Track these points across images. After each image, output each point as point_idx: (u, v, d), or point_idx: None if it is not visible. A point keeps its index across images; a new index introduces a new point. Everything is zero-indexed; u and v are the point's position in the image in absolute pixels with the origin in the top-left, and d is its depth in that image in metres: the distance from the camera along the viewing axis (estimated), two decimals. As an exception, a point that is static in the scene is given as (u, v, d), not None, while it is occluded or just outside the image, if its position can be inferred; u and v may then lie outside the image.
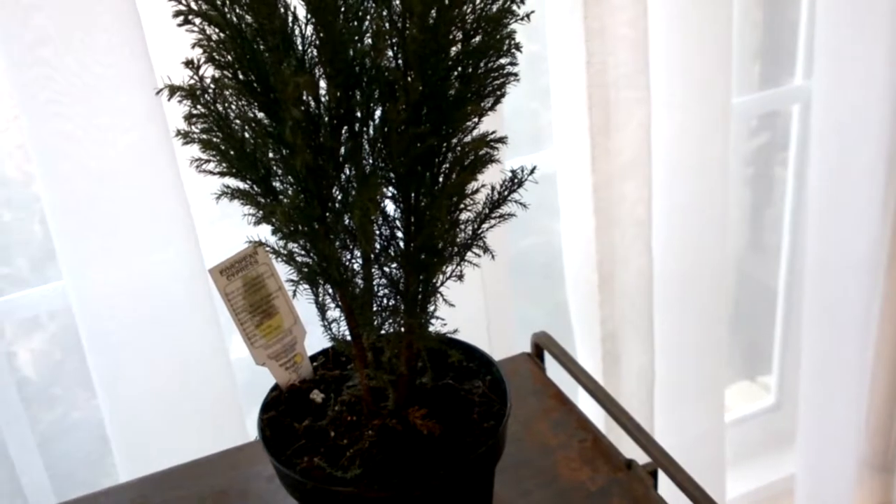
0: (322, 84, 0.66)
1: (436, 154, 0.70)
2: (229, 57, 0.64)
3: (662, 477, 0.96)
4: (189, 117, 0.67)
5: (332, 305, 0.78)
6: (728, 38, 1.61)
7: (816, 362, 2.06)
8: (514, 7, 0.68)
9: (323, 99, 0.66)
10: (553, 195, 1.67)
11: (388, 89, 0.67)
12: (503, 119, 1.40)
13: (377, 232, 0.73)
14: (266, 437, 0.82)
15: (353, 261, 0.74)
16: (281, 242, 0.73)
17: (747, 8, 1.99)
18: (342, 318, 0.79)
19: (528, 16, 0.69)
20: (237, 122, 0.68)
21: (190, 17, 0.61)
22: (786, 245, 2.19)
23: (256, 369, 0.89)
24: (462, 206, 0.73)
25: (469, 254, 0.77)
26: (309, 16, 0.64)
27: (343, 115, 0.67)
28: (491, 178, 0.76)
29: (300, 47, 0.65)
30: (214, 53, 0.64)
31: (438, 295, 0.78)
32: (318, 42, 0.64)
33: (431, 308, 0.78)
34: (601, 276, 1.65)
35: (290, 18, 0.64)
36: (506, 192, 0.76)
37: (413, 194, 0.71)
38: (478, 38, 0.68)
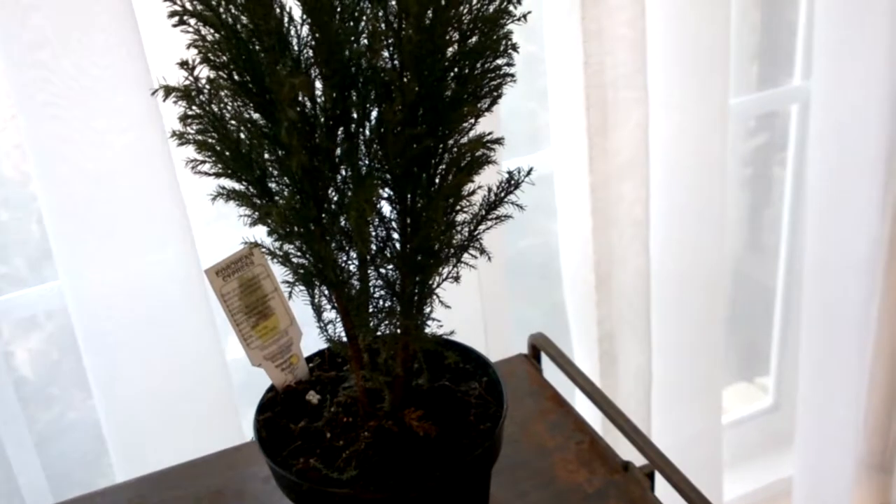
0: (318, 85, 0.66)
1: (432, 155, 0.70)
2: (224, 58, 0.64)
3: (659, 479, 0.96)
4: (184, 118, 0.67)
5: (328, 307, 0.78)
6: (726, 39, 1.61)
7: (815, 363, 2.06)
8: (511, 8, 0.68)
9: (319, 100, 0.66)
10: (551, 196, 1.67)
11: (384, 90, 0.67)
12: (500, 120, 1.40)
13: (373, 233, 0.73)
14: (262, 439, 0.82)
15: (349, 262, 0.74)
16: (277, 244, 0.73)
17: (745, 8, 1.99)
18: (338, 319, 0.79)
19: (524, 16, 0.69)
20: (233, 122, 0.68)
21: (185, 17, 0.61)
22: (784, 245, 2.19)
23: (253, 370, 0.88)
24: (458, 207, 0.73)
25: (465, 255, 0.76)
26: (304, 16, 0.63)
27: (339, 116, 0.67)
28: (488, 179, 0.76)
29: (296, 48, 0.65)
30: (209, 54, 0.64)
31: (434, 296, 0.77)
32: (313, 43, 0.64)
33: (427, 309, 0.78)
34: (598, 277, 1.65)
35: (286, 19, 0.64)
36: (502, 194, 0.76)
37: (409, 196, 0.71)
38: (474, 39, 0.68)
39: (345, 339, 0.79)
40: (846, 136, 1.82)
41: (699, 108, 1.64)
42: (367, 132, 0.69)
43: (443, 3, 0.63)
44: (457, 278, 0.77)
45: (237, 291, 0.85)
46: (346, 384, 0.86)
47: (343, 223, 0.71)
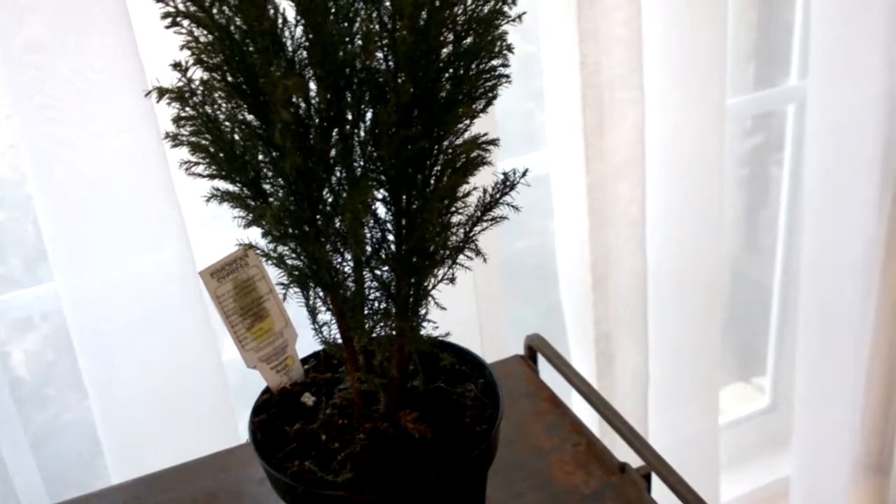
0: (312, 86, 0.66)
1: (427, 156, 0.70)
2: (218, 59, 0.63)
3: (656, 480, 0.96)
4: (177, 120, 0.66)
5: (323, 308, 0.78)
6: (723, 39, 1.61)
7: (812, 363, 2.06)
8: (506, 8, 0.67)
9: (313, 101, 0.66)
10: (547, 196, 1.66)
11: (378, 91, 0.66)
12: (496, 121, 1.40)
13: (368, 235, 0.73)
14: (257, 441, 0.82)
15: (344, 264, 0.74)
16: (271, 245, 0.73)
17: (742, 8, 1.99)
18: (333, 321, 0.79)
19: (519, 17, 0.69)
20: (227, 124, 0.67)
21: (178, 19, 0.61)
22: (781, 245, 2.19)
23: (249, 371, 0.88)
24: (453, 209, 0.73)
25: (461, 257, 0.76)
26: (298, 17, 0.63)
27: (333, 118, 0.66)
28: (483, 180, 0.76)
29: (290, 49, 0.65)
30: (203, 55, 0.63)
31: (430, 298, 0.77)
32: (307, 44, 0.64)
33: (423, 311, 0.77)
34: (595, 277, 1.64)
35: (280, 20, 0.64)
36: (497, 195, 0.76)
37: (404, 197, 0.71)
38: (469, 40, 0.67)
39: (340, 340, 0.79)
40: (843, 135, 1.82)
41: (696, 108, 1.64)
42: (362, 133, 0.68)
43: (437, 3, 0.63)
44: (452, 280, 0.77)
45: (232, 293, 0.84)
46: (341, 386, 0.86)
47: (338, 225, 0.70)
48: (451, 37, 0.66)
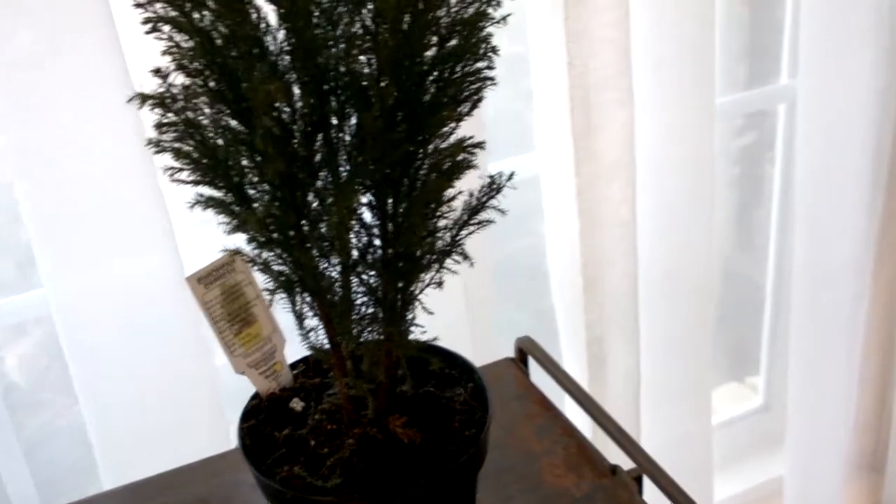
0: (296, 90, 0.65)
1: (412, 160, 0.70)
2: (199, 64, 0.63)
3: (647, 482, 0.96)
4: (159, 126, 0.66)
5: (311, 314, 0.78)
6: (712, 37, 1.61)
7: (804, 363, 2.06)
8: (490, 10, 0.67)
9: (297, 106, 0.65)
10: (537, 198, 1.66)
11: (362, 95, 0.66)
12: (482, 124, 1.40)
13: (354, 240, 0.72)
14: (246, 446, 0.82)
15: (331, 269, 0.73)
16: (257, 251, 0.73)
17: (732, 7, 1.99)
18: (321, 326, 0.78)
19: (504, 19, 0.68)
20: (210, 129, 0.67)
21: (158, 24, 0.61)
22: (773, 245, 2.19)
23: (239, 377, 0.88)
24: (439, 213, 0.73)
25: (448, 261, 0.76)
26: (281, 21, 0.63)
27: (317, 122, 0.66)
28: (470, 184, 0.75)
29: (273, 54, 0.64)
30: (184, 61, 0.63)
31: (418, 302, 0.77)
32: (290, 48, 0.63)
33: (410, 316, 0.77)
34: (586, 279, 1.64)
35: (262, 25, 0.64)
36: (484, 199, 0.75)
37: (390, 201, 0.71)
38: (453, 43, 0.67)
39: (328, 346, 0.79)
40: (834, 134, 1.82)
41: (686, 107, 1.63)
42: (347, 138, 0.68)
43: (420, 6, 0.63)
44: (440, 284, 0.77)
45: (219, 299, 0.84)
46: (330, 391, 0.86)
47: (323, 230, 0.70)
48: (434, 40, 0.66)
